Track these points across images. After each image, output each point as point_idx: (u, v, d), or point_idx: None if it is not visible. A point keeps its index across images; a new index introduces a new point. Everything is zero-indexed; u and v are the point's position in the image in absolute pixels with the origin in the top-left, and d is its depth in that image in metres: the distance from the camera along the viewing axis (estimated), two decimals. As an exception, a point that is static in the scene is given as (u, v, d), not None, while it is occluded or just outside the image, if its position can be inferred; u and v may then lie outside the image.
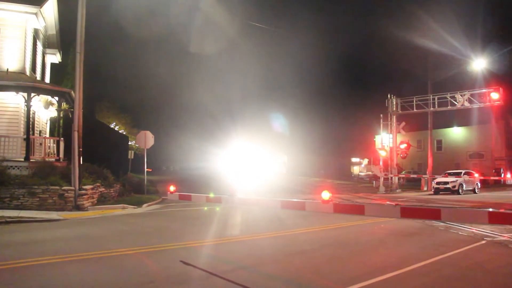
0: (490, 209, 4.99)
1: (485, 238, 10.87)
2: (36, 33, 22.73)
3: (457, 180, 31.74)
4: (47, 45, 26.17)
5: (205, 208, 17.93)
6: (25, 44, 20.87)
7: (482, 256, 8.92)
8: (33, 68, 22.55)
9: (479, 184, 34.48)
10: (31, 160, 18.94)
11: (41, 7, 21.21)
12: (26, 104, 19.30)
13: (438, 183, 32.50)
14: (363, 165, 76.96)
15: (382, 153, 37.52)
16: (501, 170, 49.72)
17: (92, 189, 18.58)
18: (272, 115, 62.93)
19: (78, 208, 17.10)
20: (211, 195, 9.27)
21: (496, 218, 4.97)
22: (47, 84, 22.80)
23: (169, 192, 10.19)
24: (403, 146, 38.07)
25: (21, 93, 19.30)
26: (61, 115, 22.24)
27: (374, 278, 6.96)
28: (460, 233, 11.81)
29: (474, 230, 12.01)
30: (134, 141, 41.56)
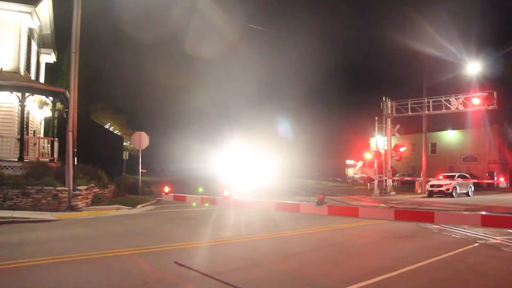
0: (483, 212, 5.04)
1: (478, 241, 10.95)
2: (30, 32, 22.68)
3: (451, 183, 31.89)
4: (42, 44, 26.11)
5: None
6: (19, 44, 20.81)
7: (474, 259, 8.98)
8: (28, 68, 22.49)
9: (472, 187, 34.64)
10: (25, 160, 18.90)
11: (35, 7, 21.16)
12: (20, 104, 19.25)
13: (432, 185, 32.65)
14: (357, 167, 77.10)
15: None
16: (495, 173, 49.99)
17: (86, 189, 18.55)
18: (268, 117, 63.08)
19: (72, 208, 17.07)
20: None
21: (489, 221, 5.02)
22: (41, 84, 22.75)
23: (163, 193, 10.18)
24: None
25: (15, 92, 19.25)
26: (56, 115, 22.19)
27: (367, 280, 7.02)
28: (453, 235, 11.88)
29: (467, 233, 12.09)
30: (129, 142, 41.55)
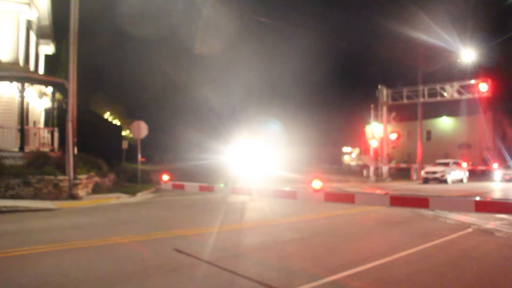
0: (477, 198, 5.15)
1: (472, 226, 11.11)
2: (29, 23, 22.64)
3: (445, 169, 32.18)
4: (41, 35, 26.05)
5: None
6: (18, 35, 20.80)
7: (468, 244, 9.15)
8: (27, 59, 22.49)
9: (467, 174, 34.96)
10: (25, 150, 19.02)
11: (33, -3, 21.20)
12: (20, 95, 19.34)
13: (427, 172, 32.94)
14: (354, 155, 77.27)
15: (373, 143, 37.95)
16: (489, 160, 50.24)
17: (87, 178, 18.69)
18: (266, 109, 62.90)
19: (73, 197, 17.21)
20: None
21: (482, 207, 5.03)
22: (40, 74, 22.82)
23: (162, 182, 10.20)
24: (393, 136, 38.46)
25: (15, 83, 19.33)
26: (55, 106, 22.28)
27: (363, 265, 7.15)
28: (448, 221, 12.05)
29: (461, 219, 12.26)
30: (128, 131, 41.67)
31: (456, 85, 33.55)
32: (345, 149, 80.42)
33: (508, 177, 34.44)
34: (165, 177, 10.01)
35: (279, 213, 13.99)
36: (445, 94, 34.29)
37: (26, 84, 19.37)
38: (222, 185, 8.68)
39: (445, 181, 31.48)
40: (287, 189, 7.76)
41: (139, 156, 25.49)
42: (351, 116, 60.51)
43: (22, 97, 19.34)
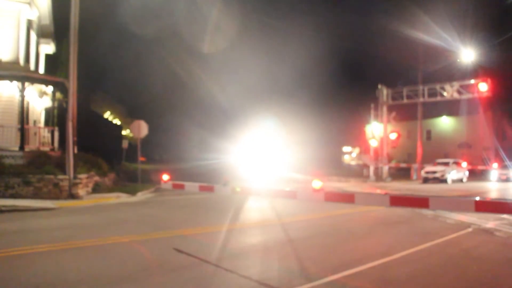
0: (477, 198, 5.15)
1: (471, 226, 11.10)
2: (29, 23, 22.62)
3: (445, 169, 32.17)
4: (41, 35, 26.02)
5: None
6: (18, 34, 20.80)
7: (468, 244, 9.14)
8: (27, 58, 22.48)
9: (467, 173, 34.96)
10: (25, 149, 19.03)
11: (34, -3, 21.20)
12: (20, 94, 19.35)
13: (427, 172, 32.92)
14: (354, 154, 77.14)
15: (373, 143, 37.96)
16: (488, 160, 50.22)
17: (87, 178, 18.70)
18: (265, 106, 62.80)
19: (73, 196, 17.21)
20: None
21: (482, 207, 5.02)
22: (41, 74, 22.82)
23: (162, 181, 10.19)
24: (393, 136, 38.47)
25: (15, 82, 19.33)
26: (56, 105, 22.28)
27: (363, 265, 7.16)
28: (447, 221, 12.05)
29: (461, 218, 12.26)
30: (128, 130, 41.71)
31: (456, 84, 33.54)
32: (345, 148, 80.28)
33: (504, 177, 34.50)
34: (165, 177, 9.97)
35: (279, 213, 13.96)
36: (445, 93, 34.28)
37: (26, 83, 19.38)
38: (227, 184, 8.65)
39: (445, 181, 31.46)
40: (287, 189, 7.75)
41: (139, 155, 25.45)
42: (351, 115, 60.48)
43: (22, 96, 19.35)
